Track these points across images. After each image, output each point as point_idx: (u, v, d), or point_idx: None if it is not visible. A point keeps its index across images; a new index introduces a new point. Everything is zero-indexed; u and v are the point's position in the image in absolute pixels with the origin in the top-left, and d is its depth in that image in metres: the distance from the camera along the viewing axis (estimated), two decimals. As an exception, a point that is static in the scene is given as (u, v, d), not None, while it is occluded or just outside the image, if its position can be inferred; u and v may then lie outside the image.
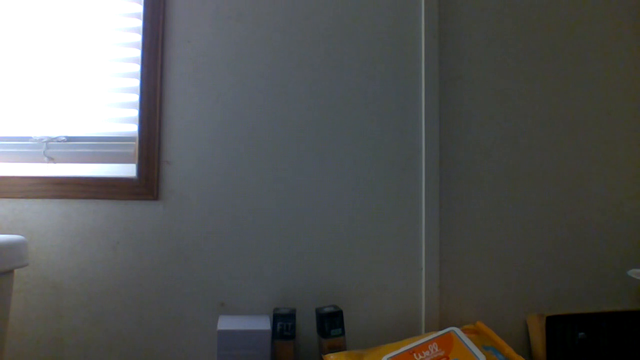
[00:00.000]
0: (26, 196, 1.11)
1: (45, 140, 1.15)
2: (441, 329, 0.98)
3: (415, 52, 1.17)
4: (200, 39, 1.15)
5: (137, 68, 1.15)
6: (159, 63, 1.14)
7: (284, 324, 1.01)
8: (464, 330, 0.98)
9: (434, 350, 0.92)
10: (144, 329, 1.10)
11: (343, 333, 1.02)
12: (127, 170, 1.15)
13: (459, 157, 1.16)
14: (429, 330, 1.10)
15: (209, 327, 1.10)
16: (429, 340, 0.95)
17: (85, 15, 1.17)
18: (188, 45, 1.15)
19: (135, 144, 1.14)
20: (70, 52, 1.16)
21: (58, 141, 1.15)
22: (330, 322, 1.01)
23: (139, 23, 1.16)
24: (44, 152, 1.15)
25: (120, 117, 1.16)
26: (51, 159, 1.15)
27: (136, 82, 1.14)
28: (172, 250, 1.12)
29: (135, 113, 1.15)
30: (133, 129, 1.15)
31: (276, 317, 1.02)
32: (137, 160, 1.13)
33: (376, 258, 1.14)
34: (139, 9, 1.16)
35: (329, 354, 0.98)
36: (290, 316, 1.01)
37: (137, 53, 1.15)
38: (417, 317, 1.13)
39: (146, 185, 1.12)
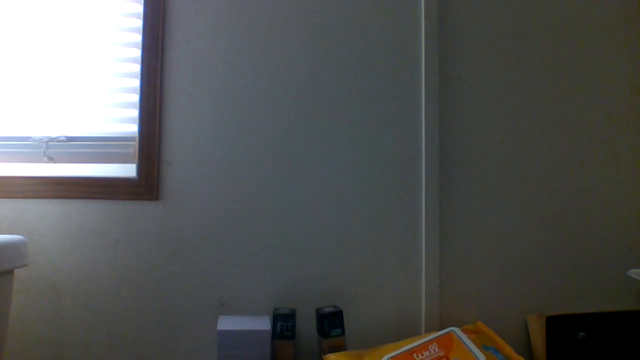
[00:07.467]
0: (26, 196, 1.11)
1: (45, 140, 1.15)
2: (441, 329, 0.98)
3: (415, 52, 1.17)
4: (200, 39, 1.15)
5: (137, 68, 1.15)
6: (159, 63, 1.13)
7: (284, 324, 1.01)
8: (464, 330, 0.98)
9: (434, 350, 0.92)
10: (144, 329, 1.10)
11: (343, 333, 1.02)
12: (127, 170, 1.15)
13: (459, 157, 1.16)
14: (429, 330, 1.10)
15: (209, 327, 1.10)
16: (429, 340, 0.95)
17: (85, 15, 1.17)
18: (188, 45, 1.15)
19: (135, 144, 1.14)
20: (70, 52, 1.16)
21: (58, 141, 1.15)
22: (330, 322, 1.01)
23: (139, 23, 1.16)
24: (43, 152, 1.14)
25: (120, 117, 1.16)
26: (51, 159, 1.15)
27: (136, 82, 1.14)
28: (172, 250, 1.12)
29: (135, 113, 1.15)
30: (133, 129, 1.15)
31: (276, 317, 1.02)
32: (137, 160, 1.13)
33: (376, 258, 1.14)
34: (139, 9, 1.16)
35: (329, 354, 0.98)
36: (290, 316, 1.01)
37: (137, 53, 1.15)
38: (417, 317, 1.13)
39: (146, 185, 1.12)
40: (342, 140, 1.15)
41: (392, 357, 0.93)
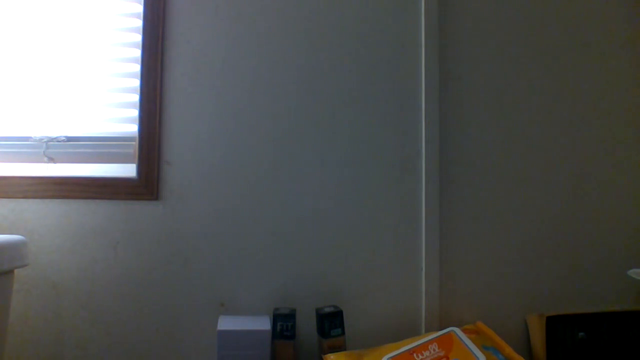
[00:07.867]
0: (26, 196, 1.11)
1: (45, 140, 1.15)
2: (441, 329, 0.98)
3: (415, 52, 1.17)
4: (200, 39, 1.15)
5: (137, 68, 1.15)
6: (159, 63, 1.13)
7: (284, 324, 1.01)
8: (464, 330, 0.98)
9: (434, 350, 0.92)
10: (144, 329, 1.10)
11: (343, 333, 1.02)
12: (127, 170, 1.15)
13: (459, 158, 1.16)
14: (429, 330, 1.10)
15: (209, 327, 1.10)
16: (429, 340, 0.95)
17: (85, 15, 1.17)
18: (188, 45, 1.15)
19: (135, 144, 1.14)
20: (70, 52, 1.16)
21: (58, 141, 1.15)
22: (330, 322, 1.01)
23: (139, 23, 1.16)
24: (44, 152, 1.15)
25: (120, 117, 1.16)
26: (51, 159, 1.15)
27: (136, 82, 1.14)
28: (172, 250, 1.12)
29: (135, 113, 1.15)
30: (133, 129, 1.15)
31: (276, 317, 1.02)
32: (137, 160, 1.13)
33: (376, 258, 1.14)
34: (139, 9, 1.16)
35: (329, 354, 0.98)
36: (290, 316, 1.01)
37: (137, 53, 1.15)
38: (417, 317, 1.13)
39: (146, 185, 1.12)
40: (342, 140, 1.15)
41: (392, 357, 0.93)
